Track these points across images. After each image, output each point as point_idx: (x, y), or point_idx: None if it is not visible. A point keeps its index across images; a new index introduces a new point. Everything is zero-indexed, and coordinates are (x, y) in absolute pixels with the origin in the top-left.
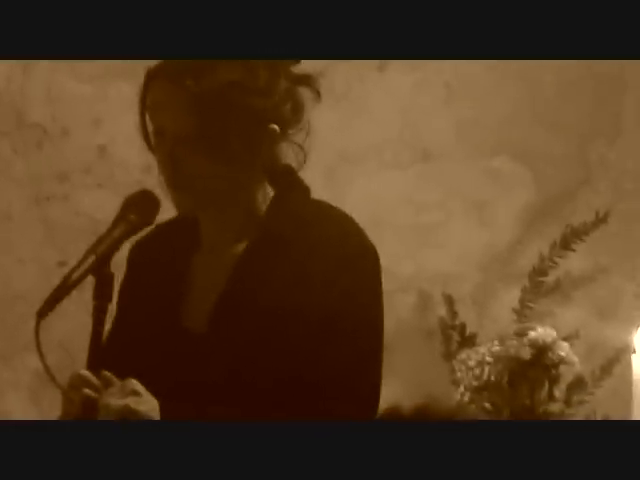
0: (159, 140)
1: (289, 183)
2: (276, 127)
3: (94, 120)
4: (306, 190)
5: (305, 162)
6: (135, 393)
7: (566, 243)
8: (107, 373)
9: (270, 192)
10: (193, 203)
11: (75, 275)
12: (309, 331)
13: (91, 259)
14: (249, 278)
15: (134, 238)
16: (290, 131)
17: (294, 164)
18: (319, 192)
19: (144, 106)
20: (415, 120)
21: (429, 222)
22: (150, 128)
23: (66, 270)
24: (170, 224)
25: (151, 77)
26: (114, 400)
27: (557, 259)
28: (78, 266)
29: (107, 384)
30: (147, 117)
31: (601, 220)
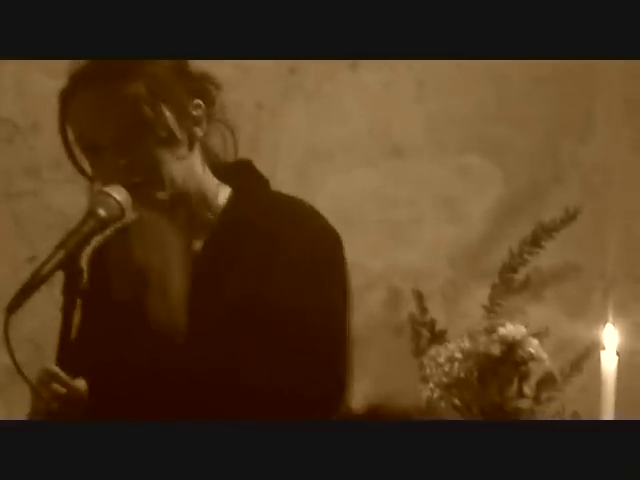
0: (93, 158)
1: (247, 176)
2: (200, 101)
3: None
4: (266, 182)
5: (237, 147)
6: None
7: (536, 240)
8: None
9: (227, 187)
10: (155, 194)
11: (44, 270)
12: (277, 322)
13: (61, 254)
14: (214, 272)
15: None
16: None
17: (221, 148)
18: (290, 188)
19: (65, 120)
20: (385, 117)
21: (399, 218)
22: (76, 150)
23: (36, 265)
24: (126, 227)
25: (71, 90)
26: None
27: (527, 256)
28: (47, 261)
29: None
30: (71, 137)
31: (571, 217)
